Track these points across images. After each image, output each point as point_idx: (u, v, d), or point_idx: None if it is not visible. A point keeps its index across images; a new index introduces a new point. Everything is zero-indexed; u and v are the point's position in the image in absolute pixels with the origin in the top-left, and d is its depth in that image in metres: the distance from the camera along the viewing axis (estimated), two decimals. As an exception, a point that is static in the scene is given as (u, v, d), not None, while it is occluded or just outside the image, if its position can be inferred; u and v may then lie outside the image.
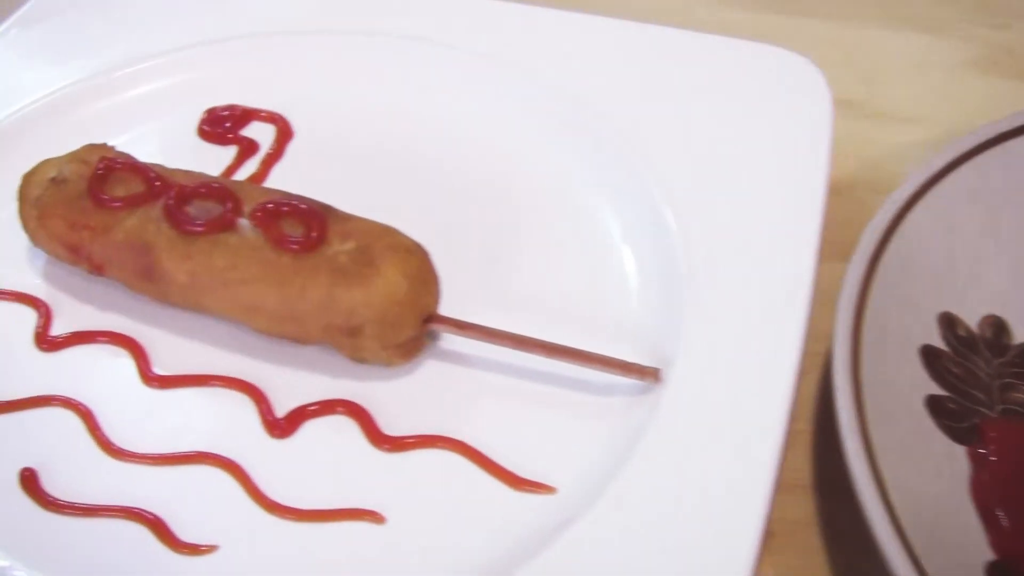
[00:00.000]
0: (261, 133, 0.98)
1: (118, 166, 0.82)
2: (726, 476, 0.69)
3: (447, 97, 0.99)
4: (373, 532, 0.71)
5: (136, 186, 0.81)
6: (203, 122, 0.99)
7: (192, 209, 0.79)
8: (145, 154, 0.90)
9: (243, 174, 0.95)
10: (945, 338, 0.79)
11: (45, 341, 0.82)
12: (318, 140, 0.98)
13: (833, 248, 0.87)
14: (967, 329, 0.80)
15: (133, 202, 0.80)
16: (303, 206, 0.78)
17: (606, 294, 0.83)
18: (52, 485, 0.74)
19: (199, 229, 0.77)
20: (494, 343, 0.77)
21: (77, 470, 0.75)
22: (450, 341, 0.80)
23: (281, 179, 0.93)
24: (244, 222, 0.78)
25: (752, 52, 0.97)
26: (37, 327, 0.83)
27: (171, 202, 0.79)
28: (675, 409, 0.73)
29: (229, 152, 0.97)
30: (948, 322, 0.80)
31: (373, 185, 0.92)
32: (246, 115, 0.99)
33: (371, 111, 0.99)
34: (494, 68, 0.98)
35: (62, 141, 0.90)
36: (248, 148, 0.96)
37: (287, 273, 0.75)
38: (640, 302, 0.82)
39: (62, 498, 0.73)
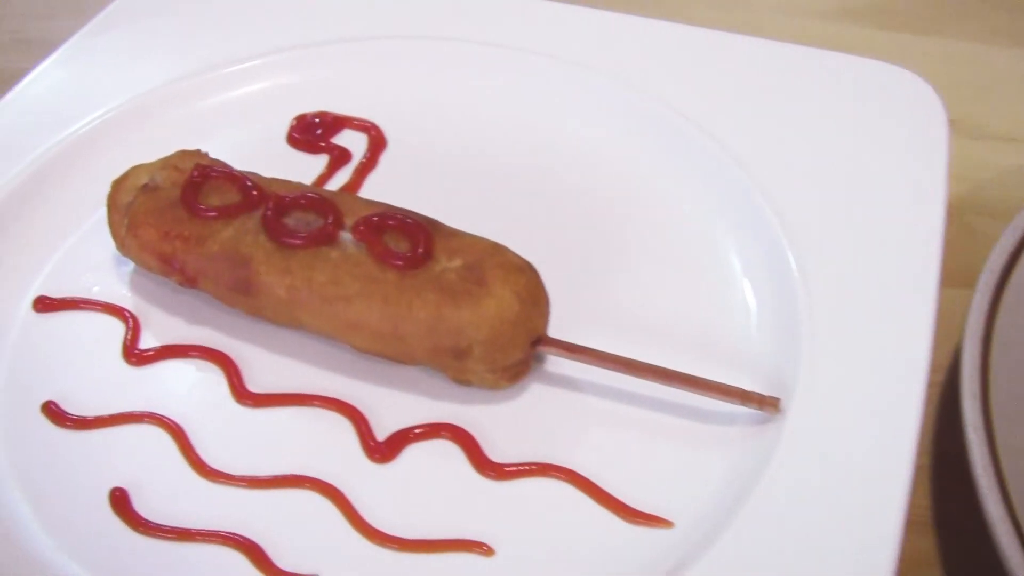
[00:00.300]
0: (353, 142, 0.95)
1: (214, 174, 0.79)
2: (853, 514, 0.66)
3: (553, 109, 0.96)
4: (481, 564, 0.67)
5: (232, 196, 0.78)
6: (293, 129, 0.96)
7: (291, 221, 0.76)
8: (233, 161, 0.87)
9: (335, 184, 0.92)
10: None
11: (133, 355, 0.79)
12: (413, 150, 0.95)
13: (945, 274, 0.85)
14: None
15: (229, 212, 0.77)
16: (408, 220, 0.75)
17: (722, 318, 0.80)
18: (143, 506, 0.71)
19: (299, 242, 0.74)
20: (604, 367, 0.74)
21: (169, 491, 0.72)
22: (556, 363, 0.77)
23: (375, 190, 0.91)
24: (346, 236, 0.75)
25: (869, 70, 0.95)
26: (125, 340, 0.80)
27: (269, 213, 0.76)
28: (797, 441, 0.70)
29: (320, 161, 0.94)
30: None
31: (473, 198, 0.89)
32: (337, 122, 0.96)
33: (469, 120, 0.97)
34: (604, 81, 0.96)
35: (148, 146, 0.88)
36: (340, 157, 0.94)
37: (392, 290, 0.72)
38: (758, 328, 0.79)
39: (154, 520, 0.70)
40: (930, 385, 0.78)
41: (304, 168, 0.92)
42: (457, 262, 0.73)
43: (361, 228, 0.75)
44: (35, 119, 0.94)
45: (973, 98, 1.06)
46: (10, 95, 0.96)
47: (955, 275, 0.83)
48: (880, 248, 0.80)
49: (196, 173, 0.79)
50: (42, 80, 0.98)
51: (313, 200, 0.77)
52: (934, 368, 0.76)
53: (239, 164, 0.87)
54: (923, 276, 0.78)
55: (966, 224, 0.93)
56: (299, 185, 0.81)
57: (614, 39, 0.99)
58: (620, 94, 0.94)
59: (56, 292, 0.84)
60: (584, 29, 1.00)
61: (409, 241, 0.74)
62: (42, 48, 1.02)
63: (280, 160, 0.93)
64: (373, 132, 0.95)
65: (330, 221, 0.75)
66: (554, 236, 0.86)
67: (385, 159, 0.94)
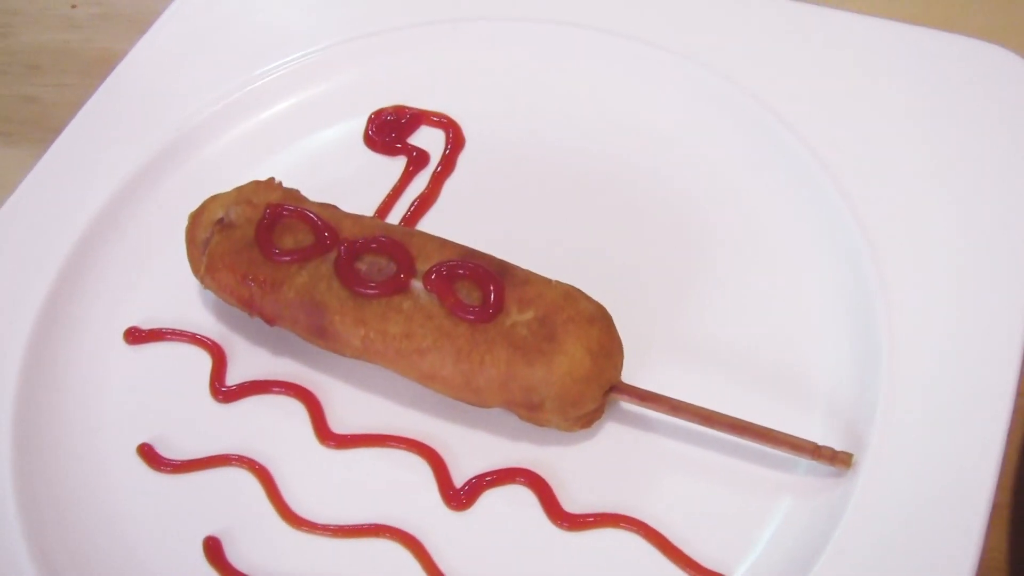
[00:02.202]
0: (431, 140, 0.94)
1: (285, 213, 0.80)
2: (924, 570, 0.66)
3: (641, 100, 0.93)
4: (551, 620, 0.71)
5: (305, 236, 0.79)
6: (369, 128, 0.95)
7: (363, 266, 0.76)
8: (312, 171, 0.89)
9: (414, 190, 0.91)
10: None
11: (220, 392, 0.82)
12: (491, 148, 0.93)
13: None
14: None
15: (302, 256, 0.78)
16: (479, 268, 0.75)
17: (801, 360, 0.78)
18: (233, 553, 0.75)
19: (372, 292, 0.75)
20: (677, 416, 0.74)
21: (258, 537, 0.75)
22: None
23: (453, 196, 0.91)
24: (417, 284, 0.75)
25: (956, 46, 0.88)
26: (211, 374, 0.83)
27: (341, 259, 0.76)
28: (870, 495, 0.69)
29: (398, 164, 0.93)
30: None
31: (550, 206, 0.89)
32: (414, 119, 0.95)
33: (551, 113, 0.94)
34: (694, 70, 0.92)
35: (224, 161, 0.90)
36: (418, 160, 0.93)
37: (464, 345, 0.73)
38: (835, 371, 0.77)
39: (244, 571, 0.74)
40: (1017, 410, 0.77)
41: (383, 174, 0.92)
42: (528, 315, 0.73)
43: (433, 278, 0.75)
44: (102, 145, 0.94)
45: None
46: (71, 126, 0.95)
47: None
48: (970, 267, 0.77)
49: (267, 214, 0.80)
50: (101, 106, 0.96)
51: (384, 244, 0.77)
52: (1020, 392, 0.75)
53: (315, 174, 0.90)
54: (1018, 301, 0.75)
55: None
56: (373, 221, 0.81)
57: (705, 22, 0.94)
58: (714, 87, 0.90)
59: (146, 323, 0.86)
60: (671, 10, 0.95)
61: (480, 291, 0.74)
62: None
63: (357, 166, 0.93)
64: (451, 130, 0.93)
65: (402, 270, 0.75)
66: (634, 252, 0.85)
67: (463, 160, 0.92)
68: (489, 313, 0.73)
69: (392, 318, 0.75)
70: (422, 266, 0.76)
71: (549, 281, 0.75)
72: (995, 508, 0.74)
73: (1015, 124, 0.83)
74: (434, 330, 0.74)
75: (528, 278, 0.76)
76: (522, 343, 0.72)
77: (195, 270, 0.82)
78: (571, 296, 0.74)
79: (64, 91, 1.00)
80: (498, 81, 0.96)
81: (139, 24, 1.02)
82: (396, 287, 0.75)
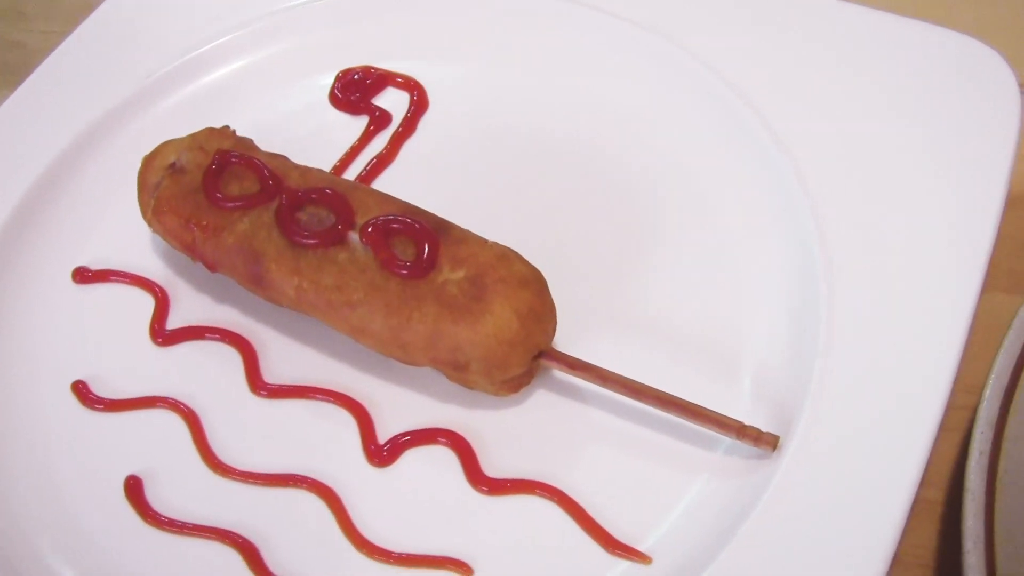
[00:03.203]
0: (396, 102, 0.94)
1: (232, 160, 0.80)
2: (836, 559, 0.65)
3: (605, 75, 0.92)
4: (458, 583, 0.70)
5: (250, 184, 0.79)
6: (335, 87, 0.95)
7: (304, 216, 0.76)
8: (275, 125, 0.89)
9: (372, 150, 0.91)
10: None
11: (160, 335, 0.83)
12: (452, 113, 0.93)
13: (998, 276, 0.79)
14: None
15: (245, 203, 0.78)
16: (416, 224, 0.74)
17: (736, 340, 0.77)
18: (153, 494, 0.75)
19: (309, 242, 0.75)
20: (606, 387, 0.73)
21: (179, 480, 0.76)
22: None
23: (410, 158, 0.91)
24: (354, 237, 0.75)
25: (929, 37, 0.86)
26: (152, 317, 0.83)
27: (282, 208, 0.76)
28: (791, 480, 0.68)
29: (360, 123, 0.93)
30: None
31: (504, 174, 0.88)
32: (380, 80, 0.95)
33: (514, 83, 0.94)
34: (656, 44, 0.91)
35: (188, 111, 0.91)
36: (380, 120, 0.93)
37: (394, 300, 0.72)
38: (770, 354, 0.75)
39: (161, 510, 0.74)
40: (960, 408, 0.75)
41: (344, 132, 0.92)
42: (460, 273, 0.72)
43: (369, 231, 0.74)
44: (71, 88, 0.94)
45: None
46: (43, 66, 0.97)
47: (1015, 278, 0.78)
48: (919, 252, 0.76)
49: (215, 160, 0.80)
50: (77, 46, 0.98)
51: (326, 196, 0.76)
52: (969, 389, 0.73)
53: (278, 129, 0.90)
54: (962, 289, 0.73)
55: None
56: (320, 173, 0.81)
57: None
58: (676, 63, 0.89)
59: (96, 263, 0.87)
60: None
61: (416, 246, 0.73)
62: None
63: (320, 123, 0.93)
64: (416, 93, 0.93)
65: (340, 221, 0.75)
66: (582, 224, 0.85)
67: (424, 124, 0.92)
68: (421, 269, 0.72)
69: (326, 269, 0.74)
70: (361, 219, 0.75)
71: (486, 242, 0.75)
72: (926, 504, 0.74)
73: (983, 119, 0.81)
74: (366, 283, 0.73)
75: (465, 237, 0.75)
76: (451, 301, 0.72)
77: (144, 213, 0.83)
78: (506, 257, 0.74)
79: (49, 37, 1.01)
80: (467, 49, 0.96)
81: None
82: (333, 238, 0.75)
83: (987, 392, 0.69)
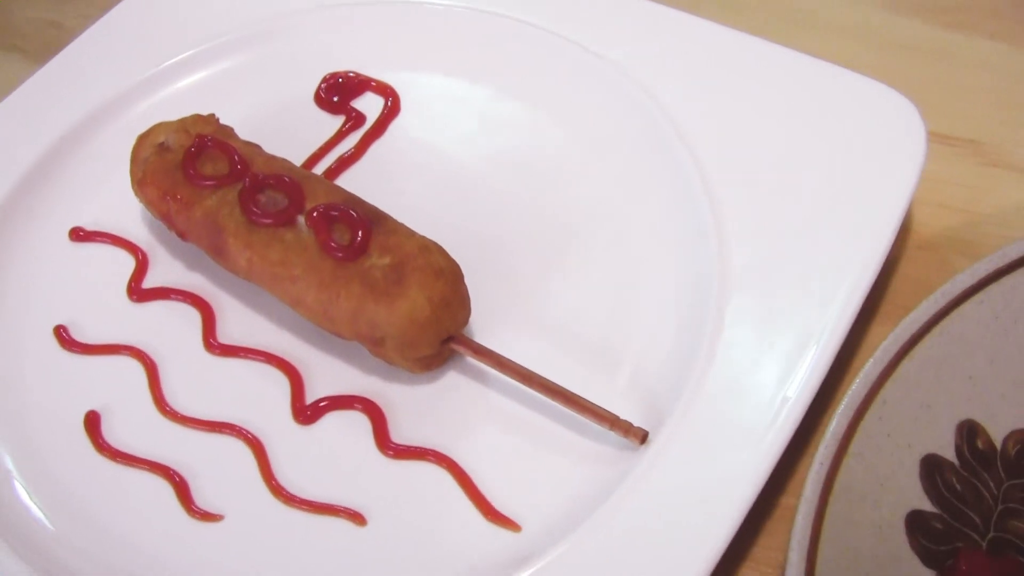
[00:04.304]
0: (373, 105, 1.03)
1: (209, 144, 0.90)
2: (679, 545, 0.72)
3: (556, 96, 1.00)
4: (353, 532, 0.78)
5: (222, 166, 0.89)
6: (321, 87, 1.05)
7: (263, 198, 0.86)
8: (264, 118, 1.00)
9: (344, 147, 1.00)
10: (958, 448, 0.77)
11: (135, 292, 0.93)
12: (421, 120, 1.02)
13: (893, 310, 0.86)
14: (988, 442, 0.77)
15: (215, 183, 0.88)
16: (354, 213, 0.83)
17: (627, 341, 0.85)
18: (107, 429, 0.86)
19: (263, 221, 0.84)
20: (502, 373, 0.82)
21: (132, 419, 0.86)
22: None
23: (375, 158, 1.00)
24: (301, 220, 0.84)
25: (848, 82, 0.92)
26: (132, 277, 0.94)
27: (245, 189, 0.86)
28: (652, 472, 0.75)
29: (339, 122, 1.02)
30: (969, 431, 0.77)
31: (451, 177, 0.97)
32: (361, 84, 1.04)
33: (475, 97, 1.02)
34: (608, 69, 0.98)
35: (190, 98, 1.02)
36: (355, 121, 1.02)
37: (326, 278, 0.82)
38: (655, 357, 0.83)
39: (112, 443, 0.85)
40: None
41: (322, 129, 1.02)
42: (386, 260, 0.81)
43: (314, 216, 0.84)
44: (89, 71, 1.06)
45: (1009, 120, 0.98)
46: (67, 49, 1.08)
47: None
48: (809, 276, 0.82)
49: (196, 142, 0.90)
50: (94, 37, 1.09)
51: (283, 182, 0.86)
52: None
53: (265, 121, 1.00)
54: (839, 315, 0.79)
55: (945, 261, 0.90)
56: (283, 162, 0.90)
57: (623, 35, 1.00)
58: (621, 87, 0.97)
59: (93, 225, 0.98)
60: (605, 18, 1.01)
61: (351, 233, 0.83)
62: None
63: (302, 120, 1.03)
64: (390, 99, 1.02)
65: (291, 206, 0.84)
66: (509, 228, 0.93)
67: (394, 127, 1.02)
68: (353, 253, 0.82)
69: (274, 246, 0.84)
70: (310, 205, 0.85)
71: (413, 234, 0.84)
72: (786, 510, 0.80)
73: (886, 156, 0.87)
74: (305, 261, 0.83)
75: (396, 229, 0.84)
76: (374, 283, 0.81)
77: (132, 183, 0.93)
78: (427, 249, 0.82)
79: (86, 21, 1.12)
80: (442, 61, 1.04)
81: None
82: (284, 219, 0.84)
83: (840, 409, 0.75)
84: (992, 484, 0.76)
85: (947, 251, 0.91)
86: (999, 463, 0.77)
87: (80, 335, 0.91)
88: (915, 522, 0.74)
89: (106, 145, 1.02)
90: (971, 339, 0.78)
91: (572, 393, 0.79)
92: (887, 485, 0.74)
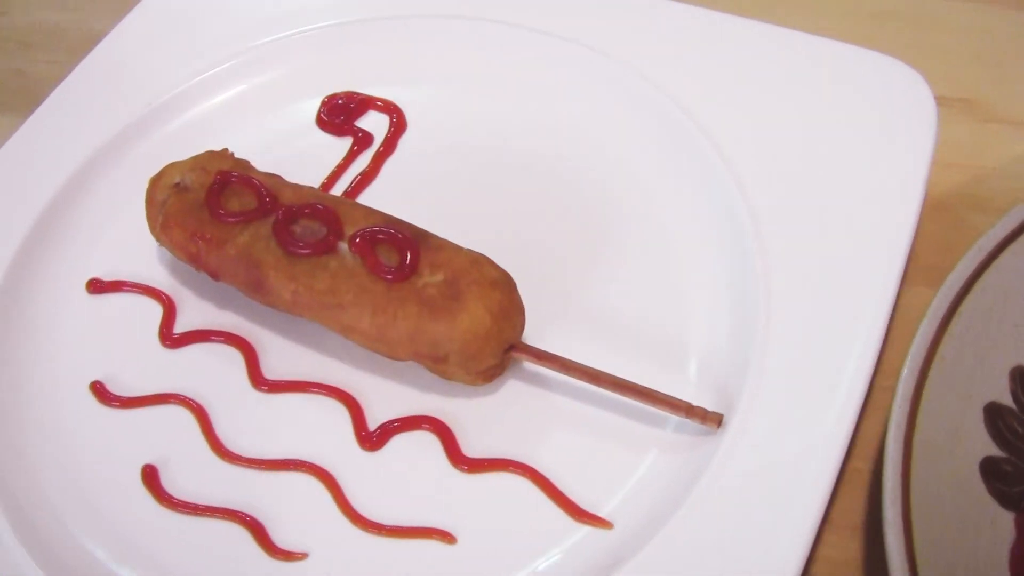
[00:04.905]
0: (377, 124, 1.03)
1: (233, 180, 0.88)
2: (774, 520, 0.73)
3: (568, 97, 1.01)
4: (444, 551, 0.78)
5: (249, 200, 0.87)
6: (321, 111, 1.04)
7: (298, 228, 0.85)
8: (264, 149, 0.97)
9: (356, 168, 1.00)
10: (1014, 393, 0.80)
11: (168, 338, 0.91)
12: (430, 134, 1.02)
13: (919, 271, 0.89)
14: (1040, 385, 0.82)
15: (245, 218, 0.86)
16: (398, 234, 0.83)
17: (683, 329, 0.86)
18: (168, 481, 0.83)
19: (303, 251, 0.84)
20: (568, 375, 0.82)
21: (191, 468, 0.84)
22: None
23: (391, 175, 1.00)
24: (344, 246, 0.84)
25: (853, 56, 0.96)
26: (161, 323, 0.92)
27: (279, 222, 0.85)
28: (732, 455, 0.77)
29: (345, 144, 1.02)
30: (1021, 376, 0.81)
31: (474, 187, 0.98)
32: (362, 104, 1.04)
33: (482, 105, 1.03)
34: (617, 68, 1.00)
35: (189, 134, 1.00)
36: (362, 141, 1.02)
37: (380, 301, 0.81)
38: (713, 340, 0.85)
39: (176, 495, 0.82)
40: (884, 389, 0.84)
41: (330, 151, 1.01)
42: (439, 277, 0.81)
43: (357, 240, 0.83)
44: (77, 118, 1.03)
45: (995, 77, 1.04)
46: (50, 98, 1.05)
47: (935, 274, 0.85)
48: (845, 248, 0.85)
49: (217, 179, 0.88)
50: (80, 80, 1.06)
51: (317, 210, 0.85)
52: (892, 373, 0.81)
53: (270, 150, 0.99)
54: (883, 283, 0.83)
55: (959, 218, 0.94)
56: (310, 190, 0.90)
57: (629, 28, 1.02)
58: (626, 83, 0.99)
59: (108, 275, 0.95)
60: (601, 16, 1.03)
61: (398, 254, 0.82)
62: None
63: (308, 144, 1.02)
64: (395, 116, 1.02)
65: (331, 233, 0.84)
66: (544, 230, 0.94)
67: (403, 143, 1.01)
68: (404, 274, 0.81)
69: (319, 275, 0.83)
70: (349, 230, 0.84)
71: (460, 248, 0.84)
72: (855, 473, 0.83)
73: (904, 130, 0.90)
74: (355, 287, 0.82)
75: (442, 245, 0.84)
76: (430, 301, 0.81)
77: (152, 228, 0.91)
78: (478, 262, 0.83)
79: (53, 67, 1.09)
80: (440, 74, 1.05)
81: (125, 7, 1.11)
82: (325, 248, 0.84)
83: (904, 372, 0.78)
84: (1049, 423, 0.81)
85: (960, 208, 0.95)
86: (1052, 404, 0.81)
87: (118, 389, 0.88)
88: (988, 468, 0.77)
89: (106, 192, 0.99)
90: (1011, 288, 0.82)
91: (643, 386, 0.80)
92: (957, 436, 0.78)
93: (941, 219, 0.93)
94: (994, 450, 0.78)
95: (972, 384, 0.80)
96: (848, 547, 0.80)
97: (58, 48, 1.14)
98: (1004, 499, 0.76)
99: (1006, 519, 0.76)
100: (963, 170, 0.97)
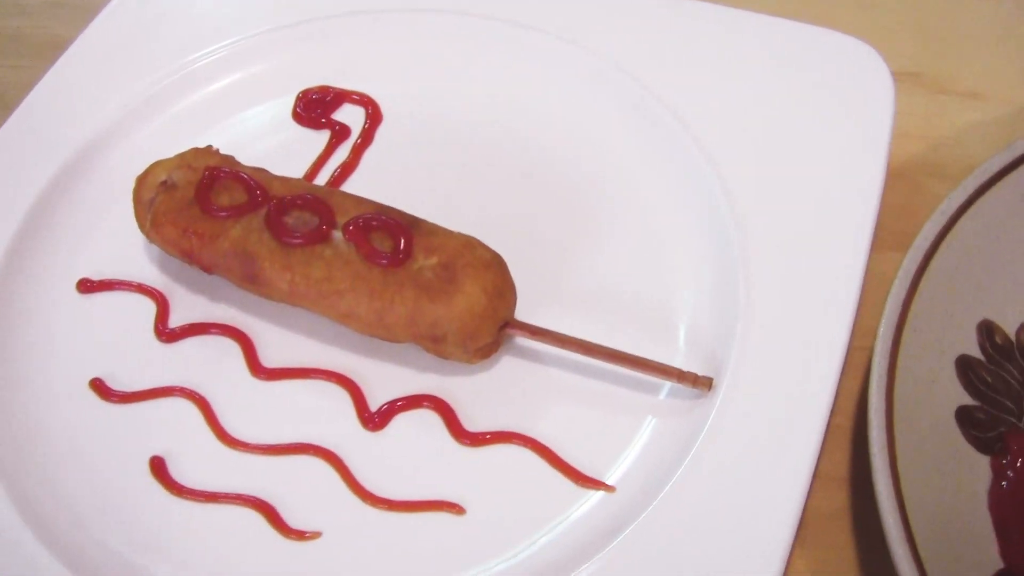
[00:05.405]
0: (353, 116, 1.05)
1: (222, 175, 0.90)
2: (768, 476, 0.78)
3: (537, 84, 1.05)
4: (454, 522, 0.81)
5: (239, 195, 0.89)
6: (297, 106, 1.06)
7: (290, 220, 0.87)
8: (244, 143, 0.98)
9: (336, 160, 1.02)
10: (981, 346, 0.86)
11: (164, 333, 0.92)
12: (406, 124, 1.05)
13: (885, 236, 0.93)
14: (1004, 336, 0.87)
15: (237, 212, 0.88)
16: (391, 221, 0.85)
17: (668, 298, 0.90)
18: (176, 471, 0.85)
19: (297, 241, 0.85)
20: (562, 348, 0.85)
21: (198, 457, 0.85)
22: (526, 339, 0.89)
23: (371, 165, 1.02)
24: (337, 235, 0.86)
25: (812, 36, 1.01)
26: (155, 319, 0.93)
27: (271, 214, 0.87)
28: (724, 415, 0.81)
29: (322, 137, 1.04)
30: (987, 330, 0.86)
31: (455, 172, 1.00)
32: (338, 98, 1.06)
33: (457, 94, 1.06)
34: (583, 56, 1.04)
35: (166, 133, 1.02)
36: (340, 133, 1.04)
37: (377, 287, 0.84)
38: (698, 308, 0.89)
39: (186, 484, 0.84)
40: (859, 349, 0.89)
41: (308, 145, 1.03)
42: (433, 260, 0.84)
43: (351, 228, 0.85)
44: (54, 120, 1.03)
45: (940, 51, 1.09)
46: (25, 103, 1.05)
47: (898, 238, 0.90)
48: (816, 219, 0.90)
49: (206, 175, 0.90)
50: (55, 81, 1.06)
51: (308, 201, 0.87)
52: (866, 333, 0.86)
53: (249, 145, 1.00)
54: (854, 249, 0.87)
55: (917, 185, 1.00)
56: (298, 182, 0.91)
57: (597, 17, 1.06)
58: (592, 67, 1.03)
59: (96, 275, 0.96)
60: (570, 8, 1.07)
61: (392, 240, 0.85)
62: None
63: (286, 138, 1.04)
64: (370, 108, 1.04)
65: (324, 222, 0.86)
66: (527, 211, 0.97)
67: (381, 134, 1.04)
68: (399, 259, 0.84)
69: (315, 264, 0.85)
70: (341, 219, 0.86)
71: (452, 232, 0.86)
72: (837, 429, 0.87)
73: (864, 105, 0.96)
74: (351, 274, 0.84)
75: (433, 230, 0.86)
76: (427, 284, 0.83)
77: (141, 226, 0.92)
78: (470, 244, 0.85)
79: (19, 72, 1.09)
80: (412, 66, 1.08)
81: (84, 11, 1.12)
82: (319, 237, 0.86)
83: (881, 330, 0.82)
84: (1016, 372, 0.85)
85: (916, 175, 1.00)
86: (1016, 353, 0.86)
87: (118, 386, 0.89)
88: (963, 416, 0.82)
89: (88, 194, 1.00)
90: (973, 248, 0.87)
91: (634, 355, 0.84)
92: (933, 388, 0.82)
93: (900, 187, 0.98)
94: (967, 399, 0.83)
95: (943, 339, 0.85)
96: (835, 498, 0.84)
97: (22, 53, 1.14)
98: (979, 444, 0.81)
99: (982, 463, 0.81)
100: (918, 140, 1.02)
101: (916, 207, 0.95)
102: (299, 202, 0.87)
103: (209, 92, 1.06)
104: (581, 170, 0.99)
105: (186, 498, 0.83)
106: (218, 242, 0.88)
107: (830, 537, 0.83)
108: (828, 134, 0.94)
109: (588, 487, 0.81)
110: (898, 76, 1.00)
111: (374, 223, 0.85)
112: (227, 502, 0.83)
